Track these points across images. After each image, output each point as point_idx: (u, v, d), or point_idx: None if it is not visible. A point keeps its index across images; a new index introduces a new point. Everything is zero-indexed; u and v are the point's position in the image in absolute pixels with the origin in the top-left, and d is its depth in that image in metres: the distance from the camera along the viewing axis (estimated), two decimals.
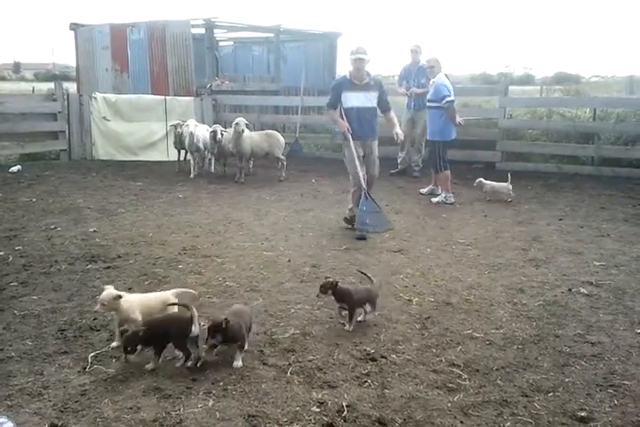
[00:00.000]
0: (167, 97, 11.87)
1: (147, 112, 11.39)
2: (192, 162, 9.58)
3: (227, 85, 13.72)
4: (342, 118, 6.13)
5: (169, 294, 3.73)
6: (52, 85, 13.62)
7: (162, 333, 3.28)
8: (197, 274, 4.86)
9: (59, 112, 11.00)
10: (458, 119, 7.69)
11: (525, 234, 6.15)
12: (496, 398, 3.00)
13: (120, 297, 3.45)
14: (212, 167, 9.96)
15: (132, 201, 7.72)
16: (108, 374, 3.22)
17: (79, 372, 3.26)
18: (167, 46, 13.46)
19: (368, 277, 4.15)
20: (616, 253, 5.45)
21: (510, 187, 7.64)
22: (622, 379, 3.19)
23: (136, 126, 11.35)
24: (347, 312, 3.82)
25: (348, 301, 3.79)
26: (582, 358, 3.44)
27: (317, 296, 3.89)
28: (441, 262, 5.22)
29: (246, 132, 8.92)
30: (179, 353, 3.36)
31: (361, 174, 6.07)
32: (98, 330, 3.80)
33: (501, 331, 3.80)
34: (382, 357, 3.43)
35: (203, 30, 13.98)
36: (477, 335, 3.72)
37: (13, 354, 3.45)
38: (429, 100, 7.80)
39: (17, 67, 64.74)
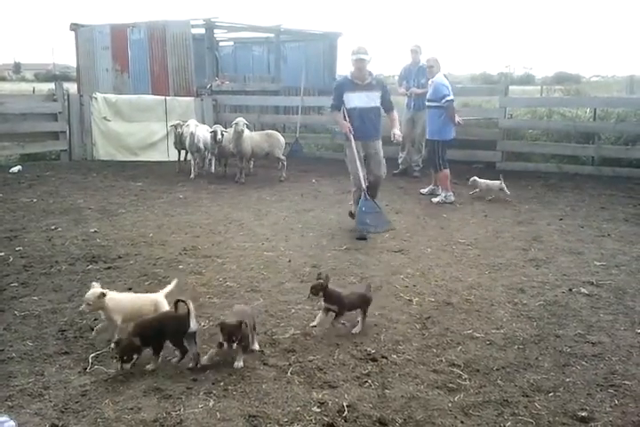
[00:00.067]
0: (167, 97, 11.88)
1: (147, 112, 11.39)
2: (192, 162, 9.58)
3: (227, 86, 13.73)
4: (345, 119, 6.13)
5: (158, 295, 3.73)
6: (52, 86, 13.65)
7: (158, 331, 3.28)
8: (198, 274, 4.86)
9: (59, 112, 11.00)
10: (457, 119, 7.70)
11: (526, 234, 6.15)
12: (496, 398, 3.00)
13: (104, 295, 3.45)
14: (213, 167, 9.96)
15: (132, 201, 7.72)
16: (109, 374, 3.22)
17: (80, 372, 3.26)
18: (167, 46, 13.47)
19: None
20: (616, 253, 5.45)
21: (503, 185, 7.69)
22: (623, 379, 3.19)
23: (136, 127, 11.35)
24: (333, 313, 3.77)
25: (337, 304, 3.74)
26: (583, 357, 3.44)
27: (308, 297, 3.86)
28: (441, 262, 5.22)
29: (246, 132, 8.93)
30: (177, 352, 3.36)
31: (361, 175, 6.07)
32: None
33: (502, 331, 3.80)
34: (383, 357, 3.43)
35: (203, 30, 14.00)
36: (478, 335, 3.73)
37: (14, 355, 3.46)
38: (429, 100, 7.80)
39: (17, 67, 64.75)
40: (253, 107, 13.08)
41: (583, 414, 2.86)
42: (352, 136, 6.05)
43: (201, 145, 9.38)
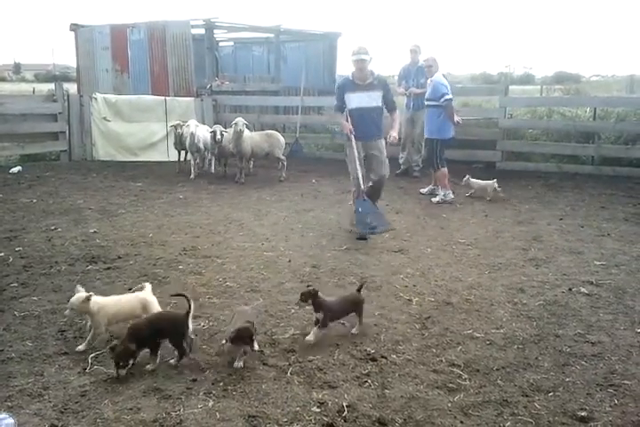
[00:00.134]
0: (167, 97, 11.88)
1: (147, 113, 11.39)
2: (192, 162, 9.58)
3: (227, 86, 13.73)
4: (347, 119, 6.13)
5: (146, 294, 3.72)
6: (52, 86, 13.65)
7: (154, 332, 3.28)
8: (198, 274, 4.86)
9: (59, 113, 11.01)
10: (456, 118, 7.71)
11: (526, 234, 6.15)
12: (496, 397, 3.00)
13: (89, 299, 3.45)
14: (213, 168, 9.96)
15: (132, 202, 7.72)
16: (108, 374, 3.22)
17: (79, 373, 3.26)
18: (167, 47, 13.48)
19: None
20: (616, 253, 5.45)
21: (496, 185, 7.75)
22: (622, 378, 3.19)
23: (136, 127, 11.35)
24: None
25: (324, 313, 3.63)
26: (582, 357, 3.43)
27: (297, 304, 3.75)
28: (441, 262, 5.22)
29: (246, 132, 8.93)
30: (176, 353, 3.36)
31: (360, 175, 6.07)
32: None
33: (502, 331, 3.79)
34: (382, 357, 3.43)
35: (203, 30, 14.01)
36: (478, 335, 3.72)
37: (13, 355, 3.46)
38: (427, 99, 7.81)
39: (17, 67, 64.79)
40: (253, 107, 13.08)
41: (583, 413, 2.86)
42: (353, 136, 6.05)
43: (201, 145, 9.38)
